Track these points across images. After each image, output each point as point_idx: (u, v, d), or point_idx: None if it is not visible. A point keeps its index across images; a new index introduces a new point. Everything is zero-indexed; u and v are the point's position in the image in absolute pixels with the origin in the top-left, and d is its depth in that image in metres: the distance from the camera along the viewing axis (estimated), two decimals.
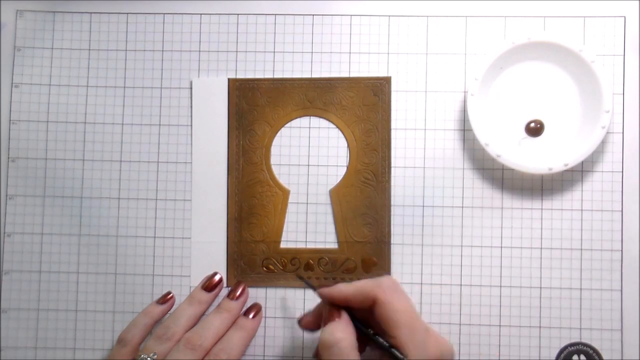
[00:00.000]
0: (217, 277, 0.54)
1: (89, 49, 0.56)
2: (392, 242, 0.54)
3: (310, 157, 0.55)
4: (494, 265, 0.53)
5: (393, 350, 0.44)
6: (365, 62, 0.55)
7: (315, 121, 0.55)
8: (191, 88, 0.55)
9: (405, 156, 0.54)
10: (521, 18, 0.54)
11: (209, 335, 0.50)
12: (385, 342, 0.45)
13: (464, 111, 0.54)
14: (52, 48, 0.56)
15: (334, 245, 0.54)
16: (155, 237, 0.55)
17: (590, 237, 0.53)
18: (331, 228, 0.54)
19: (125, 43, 0.56)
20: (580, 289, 0.53)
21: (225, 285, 0.54)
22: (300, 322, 0.50)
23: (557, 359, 0.52)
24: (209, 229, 0.55)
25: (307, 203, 0.54)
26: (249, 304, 0.54)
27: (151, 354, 0.49)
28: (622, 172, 0.53)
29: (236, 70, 0.55)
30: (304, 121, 0.55)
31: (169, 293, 0.54)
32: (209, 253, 0.54)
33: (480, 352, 0.53)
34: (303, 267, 0.54)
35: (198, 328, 0.51)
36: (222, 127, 0.55)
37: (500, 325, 0.53)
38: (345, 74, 0.55)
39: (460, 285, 0.53)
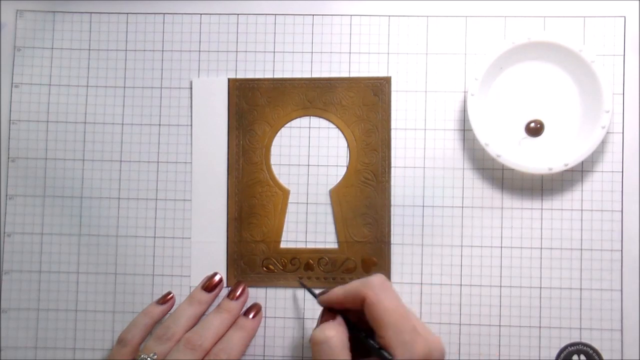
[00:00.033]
0: (217, 278, 0.54)
1: (89, 49, 0.56)
2: (392, 242, 0.54)
3: (310, 157, 0.55)
4: (494, 265, 0.53)
5: (382, 351, 0.44)
6: (365, 62, 0.55)
7: (315, 121, 0.55)
8: (191, 88, 0.55)
9: (405, 156, 0.54)
10: (521, 18, 0.54)
11: (209, 335, 0.50)
12: (374, 344, 0.45)
13: (464, 111, 0.54)
14: (52, 48, 0.56)
15: (334, 245, 0.54)
16: (155, 237, 0.55)
17: (590, 237, 0.53)
18: (331, 228, 0.54)
19: (125, 43, 0.56)
20: (580, 289, 0.53)
21: (225, 285, 0.54)
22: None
23: (557, 359, 0.52)
24: (209, 229, 0.55)
25: (307, 203, 0.54)
26: (249, 304, 0.54)
27: (151, 354, 0.49)
28: (622, 172, 0.53)
29: (236, 70, 0.55)
30: (304, 121, 0.55)
31: (169, 293, 0.54)
32: (209, 253, 0.54)
33: (480, 352, 0.53)
34: (303, 267, 0.54)
35: (198, 328, 0.51)
36: (222, 127, 0.55)
37: (500, 325, 0.53)
38: (345, 74, 0.55)
39: (460, 285, 0.53)
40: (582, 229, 0.53)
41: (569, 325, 0.52)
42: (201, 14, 0.56)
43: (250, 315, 0.52)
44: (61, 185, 0.55)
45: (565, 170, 0.52)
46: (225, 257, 0.54)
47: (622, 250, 0.53)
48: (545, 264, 0.53)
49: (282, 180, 0.55)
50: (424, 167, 0.54)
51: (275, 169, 0.55)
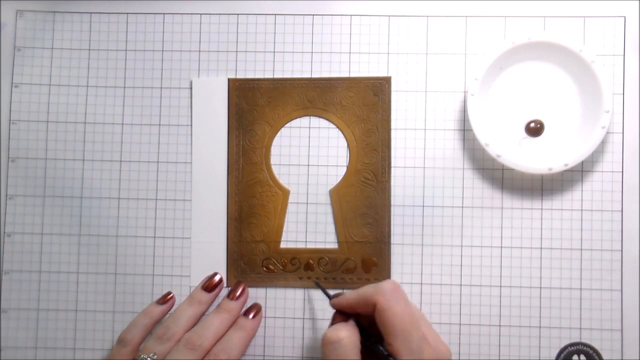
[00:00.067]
0: (217, 278, 0.54)
1: (89, 49, 0.56)
2: (392, 242, 0.54)
3: (310, 157, 0.55)
4: (494, 265, 0.53)
5: (390, 358, 0.44)
6: (365, 62, 0.55)
7: (315, 121, 0.55)
8: (191, 88, 0.55)
9: (405, 156, 0.54)
10: (521, 18, 0.54)
11: (208, 335, 0.50)
12: (383, 350, 0.45)
13: (464, 111, 0.54)
14: (52, 48, 0.56)
15: (334, 245, 0.54)
16: (155, 237, 0.55)
17: (590, 237, 0.53)
18: (331, 228, 0.54)
19: (125, 43, 0.56)
20: (580, 289, 0.53)
21: (225, 285, 0.54)
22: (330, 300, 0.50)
23: (557, 359, 0.52)
24: (209, 229, 0.55)
25: (307, 203, 0.54)
26: (249, 304, 0.54)
27: (151, 354, 0.49)
28: (622, 172, 0.53)
29: (236, 70, 0.55)
30: (304, 121, 0.55)
31: (169, 293, 0.54)
32: (209, 253, 0.54)
33: (480, 352, 0.53)
34: (303, 267, 0.54)
35: (198, 328, 0.51)
36: (222, 127, 0.55)
37: (500, 325, 0.53)
38: (345, 74, 0.55)
39: (460, 285, 0.53)
40: (582, 229, 0.53)
41: (569, 325, 0.52)
42: (201, 14, 0.56)
43: (250, 315, 0.52)
44: (61, 185, 0.55)
45: (565, 170, 0.52)
46: (225, 257, 0.54)
47: (622, 250, 0.53)
48: (545, 264, 0.53)
49: (282, 180, 0.55)
50: (424, 167, 0.54)
51: (275, 169, 0.55)
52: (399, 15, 0.55)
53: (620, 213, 0.53)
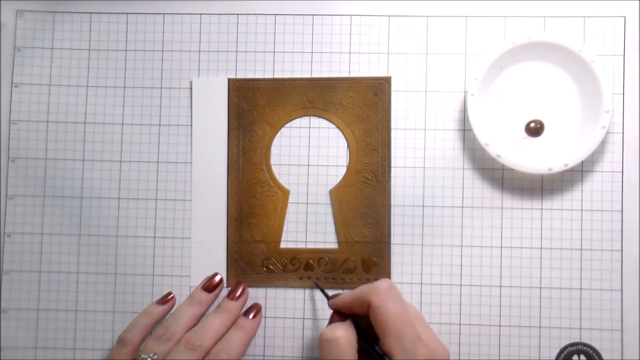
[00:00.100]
0: (217, 278, 0.54)
1: (89, 49, 0.56)
2: (392, 242, 0.54)
3: (310, 157, 0.55)
4: (494, 265, 0.53)
5: (385, 357, 0.44)
6: (365, 62, 0.55)
7: (315, 121, 0.55)
8: (191, 88, 0.55)
9: (405, 156, 0.54)
10: (521, 18, 0.54)
11: (209, 335, 0.50)
12: (378, 350, 0.45)
13: (464, 111, 0.54)
14: (52, 48, 0.56)
15: (334, 245, 0.54)
16: (155, 237, 0.55)
17: (590, 237, 0.53)
18: (331, 228, 0.54)
19: (125, 43, 0.56)
20: (580, 289, 0.53)
21: (225, 285, 0.54)
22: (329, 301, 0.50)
23: (557, 359, 0.52)
24: (209, 229, 0.55)
25: (307, 203, 0.54)
26: (249, 304, 0.54)
27: (151, 354, 0.50)
28: (622, 172, 0.53)
29: (236, 70, 0.55)
30: (304, 121, 0.55)
31: (169, 293, 0.54)
32: (209, 253, 0.54)
33: (480, 352, 0.53)
34: (303, 267, 0.54)
35: (198, 328, 0.51)
36: (222, 127, 0.55)
37: (500, 325, 0.53)
38: (345, 74, 0.55)
39: (460, 285, 0.53)
40: (582, 229, 0.53)
41: (569, 325, 0.52)
42: (201, 14, 0.56)
43: (250, 316, 0.52)
44: (61, 185, 0.55)
45: (565, 170, 0.52)
46: (225, 257, 0.54)
47: (622, 250, 0.53)
48: (545, 264, 0.53)
49: (282, 180, 0.55)
50: (424, 167, 0.54)
51: (275, 169, 0.55)
52: (399, 15, 0.55)
53: (620, 213, 0.53)
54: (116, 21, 0.56)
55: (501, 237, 0.53)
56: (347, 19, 0.55)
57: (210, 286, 0.53)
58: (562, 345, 0.52)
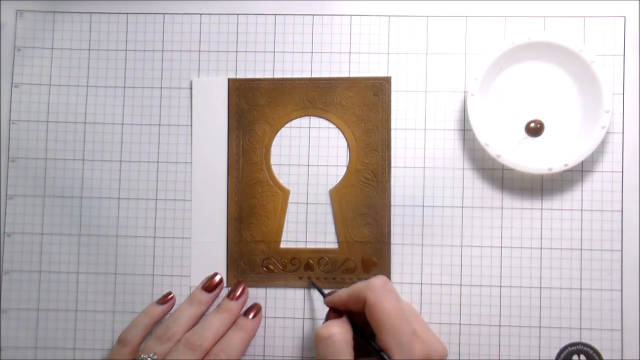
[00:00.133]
0: (217, 278, 0.54)
1: (89, 49, 0.56)
2: (392, 242, 0.54)
3: (310, 157, 0.55)
4: (494, 265, 0.53)
5: (381, 353, 0.44)
6: (365, 62, 0.55)
7: (315, 121, 0.55)
8: (191, 88, 0.55)
9: (405, 156, 0.54)
10: (521, 18, 0.54)
11: (208, 335, 0.50)
12: (375, 345, 0.45)
13: (464, 111, 0.54)
14: (52, 48, 0.56)
15: (334, 245, 0.54)
16: (155, 237, 0.55)
17: (590, 237, 0.53)
18: (331, 228, 0.54)
19: (125, 43, 0.56)
20: (580, 289, 0.53)
21: (225, 285, 0.54)
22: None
23: (557, 359, 0.52)
24: (209, 229, 0.55)
25: (307, 203, 0.54)
26: (249, 304, 0.54)
27: (151, 354, 0.50)
28: (622, 172, 0.53)
29: (236, 70, 0.55)
30: (304, 121, 0.55)
31: (169, 293, 0.54)
32: (209, 253, 0.54)
33: (480, 352, 0.53)
34: (303, 267, 0.54)
35: (198, 328, 0.51)
36: (222, 127, 0.55)
37: (500, 325, 0.53)
38: (345, 74, 0.55)
39: (460, 285, 0.53)
40: (582, 229, 0.53)
41: (569, 325, 0.52)
42: (201, 14, 0.56)
43: (250, 315, 0.52)
44: (61, 185, 0.55)
45: (565, 170, 0.52)
46: (225, 257, 0.54)
47: (622, 250, 0.53)
48: (545, 264, 0.53)
49: (282, 180, 0.55)
50: (424, 167, 0.54)
51: (275, 169, 0.55)
52: (399, 15, 0.55)
53: (620, 213, 0.53)
54: (116, 21, 0.56)
55: (501, 237, 0.53)
56: (347, 19, 0.55)
57: (210, 286, 0.53)
58: (562, 345, 0.52)
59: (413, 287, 0.53)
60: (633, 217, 0.53)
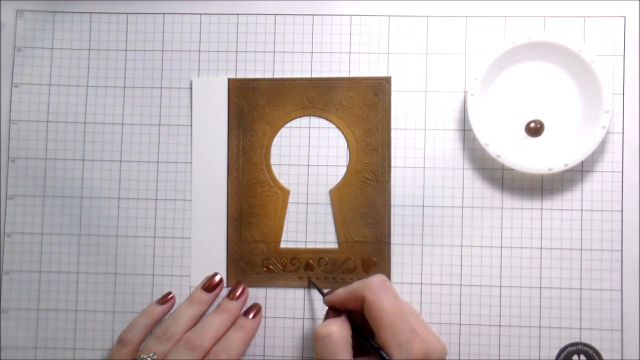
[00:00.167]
0: (217, 278, 0.54)
1: (89, 49, 0.56)
2: (392, 242, 0.54)
3: (310, 157, 0.55)
4: (494, 265, 0.53)
5: (380, 351, 0.45)
6: (365, 62, 0.55)
7: (315, 121, 0.55)
8: (191, 88, 0.55)
9: (405, 156, 0.54)
10: (521, 18, 0.54)
11: (208, 335, 0.50)
12: (374, 344, 0.45)
13: (464, 111, 0.54)
14: (52, 48, 0.56)
15: (334, 245, 0.54)
16: (155, 237, 0.55)
17: (590, 237, 0.53)
18: (331, 228, 0.54)
19: (125, 43, 0.56)
20: (580, 289, 0.53)
21: (225, 285, 0.54)
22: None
23: (557, 359, 0.52)
24: (209, 229, 0.55)
25: (307, 203, 0.54)
26: (249, 304, 0.54)
27: (151, 354, 0.50)
28: (622, 172, 0.53)
29: (236, 70, 0.55)
30: (304, 121, 0.55)
31: (169, 293, 0.54)
32: (209, 253, 0.54)
33: (480, 352, 0.53)
34: (303, 267, 0.54)
35: (198, 328, 0.51)
36: (222, 127, 0.55)
37: (500, 325, 0.53)
38: (345, 74, 0.55)
39: (460, 285, 0.53)
40: (582, 229, 0.53)
41: (569, 325, 0.52)
42: (201, 14, 0.56)
43: (250, 315, 0.52)
44: (61, 185, 0.55)
45: (565, 170, 0.52)
46: (225, 257, 0.54)
47: (622, 250, 0.53)
48: (545, 264, 0.53)
49: (282, 180, 0.55)
50: (424, 167, 0.54)
51: (275, 169, 0.55)
52: (399, 15, 0.55)
53: (620, 213, 0.53)
54: (116, 21, 0.56)
55: (501, 237, 0.53)
56: (347, 19, 0.55)
57: (210, 286, 0.53)
58: (562, 345, 0.52)
59: (413, 287, 0.53)
60: (633, 217, 0.53)
